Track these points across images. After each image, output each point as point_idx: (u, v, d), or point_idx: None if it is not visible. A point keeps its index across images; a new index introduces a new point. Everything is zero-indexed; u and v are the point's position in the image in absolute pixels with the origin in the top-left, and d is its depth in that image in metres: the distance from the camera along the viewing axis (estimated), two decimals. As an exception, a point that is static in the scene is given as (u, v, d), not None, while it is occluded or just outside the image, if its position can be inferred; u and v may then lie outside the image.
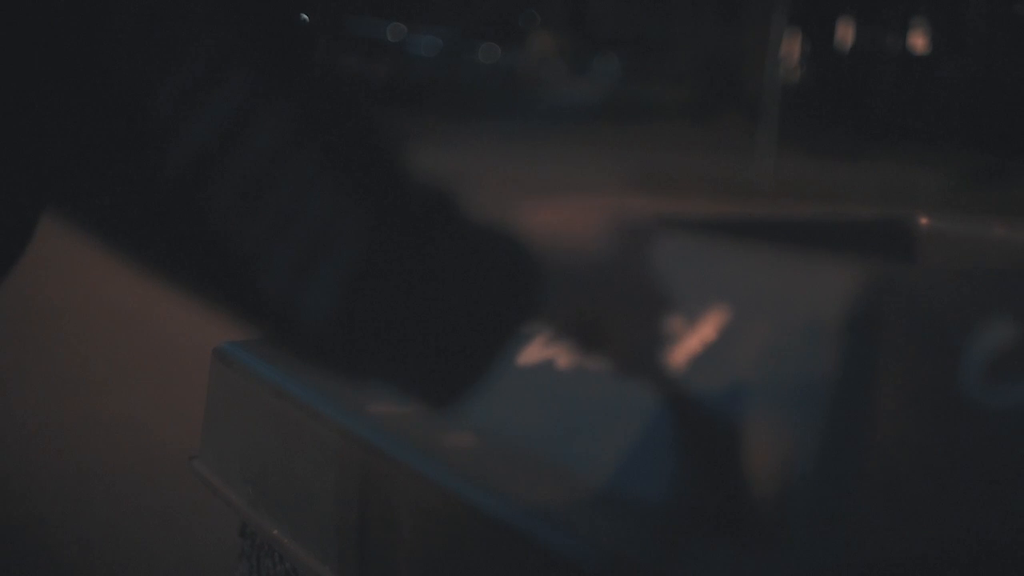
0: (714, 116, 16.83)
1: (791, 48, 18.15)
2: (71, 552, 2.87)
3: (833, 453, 0.83)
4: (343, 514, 1.02)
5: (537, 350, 1.04)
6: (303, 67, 0.68)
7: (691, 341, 0.94)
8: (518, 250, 0.76)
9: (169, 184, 0.64)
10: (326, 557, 1.04)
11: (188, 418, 2.09)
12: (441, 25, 18.17)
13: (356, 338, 0.71)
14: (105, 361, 4.49)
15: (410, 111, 12.56)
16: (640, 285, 0.84)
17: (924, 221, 1.39)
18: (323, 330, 0.70)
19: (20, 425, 3.73)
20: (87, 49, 0.62)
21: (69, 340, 4.75)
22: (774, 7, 11.31)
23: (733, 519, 0.83)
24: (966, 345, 0.89)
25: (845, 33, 20.06)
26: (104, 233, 0.69)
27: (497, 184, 7.66)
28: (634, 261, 0.84)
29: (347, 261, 0.68)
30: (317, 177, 0.67)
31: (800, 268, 0.95)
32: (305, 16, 0.70)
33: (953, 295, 0.92)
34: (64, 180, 0.66)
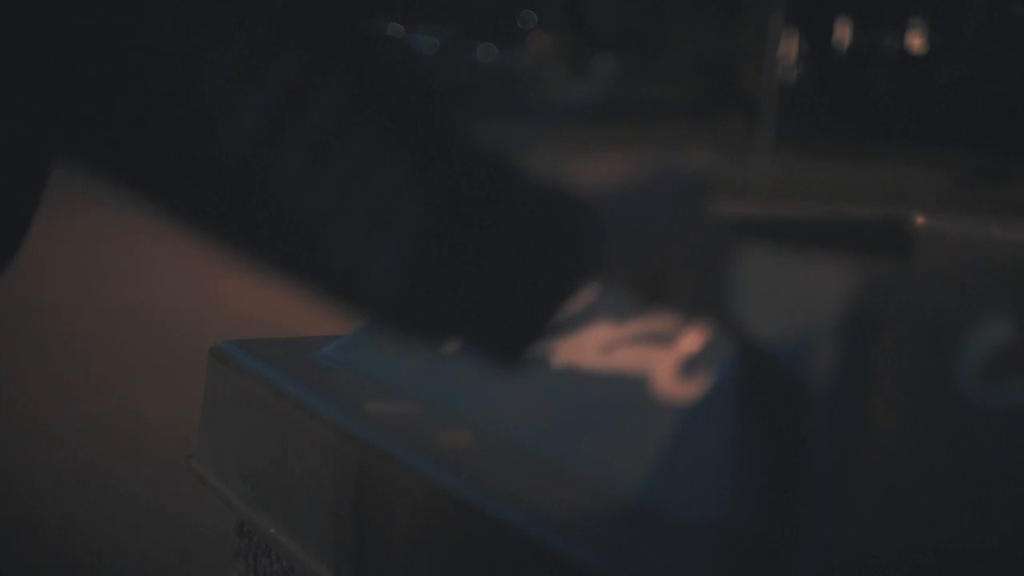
0: (712, 116, 16.84)
1: (789, 48, 18.15)
2: (68, 550, 2.87)
3: (829, 452, 0.83)
4: (340, 513, 1.03)
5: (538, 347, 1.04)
6: (356, 41, 0.68)
7: (683, 340, 0.94)
8: (576, 211, 0.76)
9: (226, 162, 0.64)
10: (323, 556, 1.04)
11: (186, 417, 2.10)
12: (440, 25, 18.15)
13: (421, 307, 0.72)
14: (103, 360, 4.49)
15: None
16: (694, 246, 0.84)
17: (921, 221, 1.39)
18: (389, 300, 0.70)
19: (17, 423, 3.73)
20: (138, 27, 0.62)
21: (67, 338, 4.75)
22: (772, 7, 11.32)
23: (732, 518, 0.83)
24: (963, 345, 0.89)
25: (843, 33, 20.07)
26: (165, 214, 0.69)
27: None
28: (688, 221, 0.84)
29: (410, 232, 0.68)
30: (377, 150, 0.67)
31: (796, 267, 0.95)
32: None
33: (950, 295, 0.92)
34: (122, 163, 0.66)
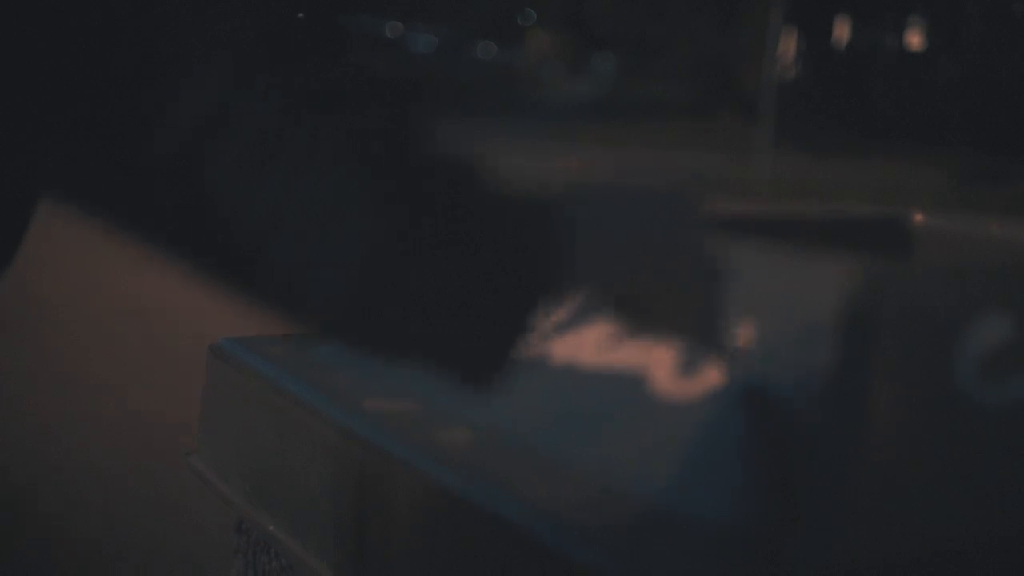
0: (711, 115, 16.83)
1: (788, 47, 18.14)
2: (67, 547, 2.87)
3: (829, 452, 0.83)
4: (339, 511, 1.03)
5: (539, 344, 1.04)
6: (304, 45, 0.67)
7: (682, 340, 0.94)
8: (546, 223, 0.73)
9: (165, 165, 0.63)
10: (322, 553, 1.04)
11: (185, 414, 2.10)
12: (439, 24, 18.15)
13: (373, 321, 0.69)
14: (102, 357, 4.49)
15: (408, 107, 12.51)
16: (673, 260, 0.80)
17: (919, 219, 1.39)
18: (336, 314, 0.68)
19: (17, 420, 3.73)
20: (79, 32, 0.62)
21: (67, 335, 4.75)
22: (771, 6, 11.31)
23: (732, 518, 0.83)
24: (962, 343, 0.89)
25: (842, 32, 20.06)
26: (106, 220, 0.68)
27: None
28: (667, 234, 0.80)
29: (359, 243, 0.66)
30: (320, 156, 0.65)
31: (795, 265, 0.95)
32: (301, 15, 0.70)
33: (949, 293, 0.92)
34: (63, 166, 0.65)
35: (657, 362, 0.94)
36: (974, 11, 18.21)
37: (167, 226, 0.67)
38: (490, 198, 0.70)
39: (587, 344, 1.00)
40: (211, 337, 1.30)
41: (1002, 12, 18.20)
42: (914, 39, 19.79)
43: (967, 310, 0.91)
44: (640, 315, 0.81)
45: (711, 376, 0.90)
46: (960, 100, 17.27)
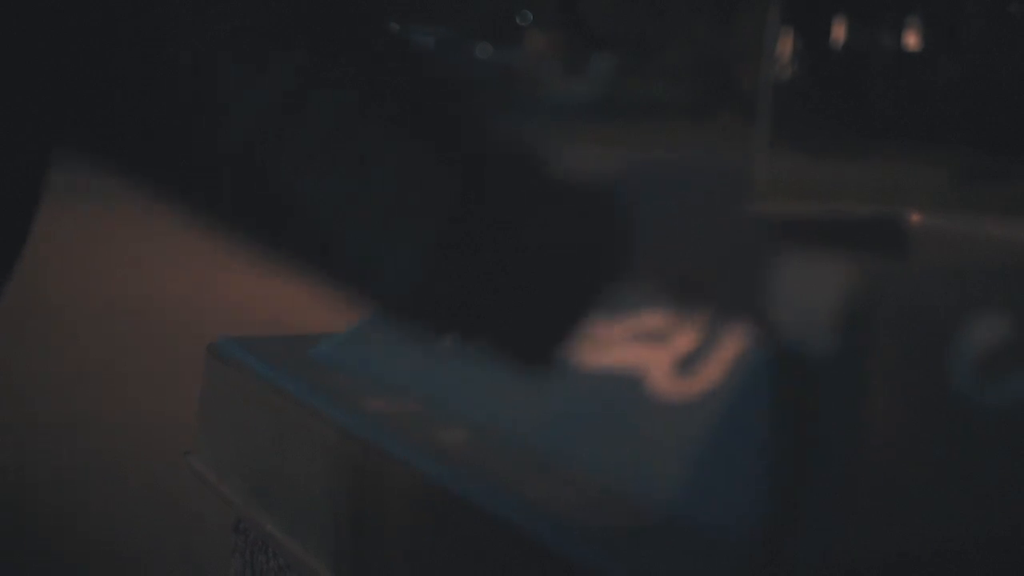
0: (709, 114, 16.83)
1: (786, 46, 18.15)
2: (66, 546, 2.87)
3: (828, 452, 0.83)
4: (337, 510, 1.03)
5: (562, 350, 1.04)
6: (367, 35, 0.67)
7: (681, 339, 0.94)
8: (606, 211, 0.74)
9: (229, 154, 0.64)
10: (319, 553, 1.04)
11: (184, 413, 2.10)
12: (437, 24, 18.16)
13: (441, 306, 0.70)
14: (102, 356, 4.49)
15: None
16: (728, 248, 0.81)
17: (916, 219, 1.39)
18: (404, 297, 0.69)
19: (16, 420, 3.73)
20: (141, 19, 0.62)
21: (66, 335, 4.75)
22: (770, 5, 11.32)
23: (732, 518, 0.83)
24: (960, 343, 0.89)
25: (840, 31, 20.06)
26: (169, 207, 0.69)
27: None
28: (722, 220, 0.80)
29: (428, 229, 0.67)
30: (388, 144, 0.66)
31: (792, 265, 0.95)
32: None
33: (947, 293, 0.92)
34: (125, 155, 0.66)
35: (658, 362, 0.94)
36: (972, 11, 18.22)
37: (238, 216, 0.67)
38: (550, 185, 0.72)
39: (589, 343, 1.00)
40: (211, 337, 1.30)
41: (999, 11, 18.22)
42: (912, 39, 19.81)
43: (965, 310, 0.92)
44: (690, 297, 0.82)
45: (712, 377, 0.90)
46: (958, 100, 17.28)
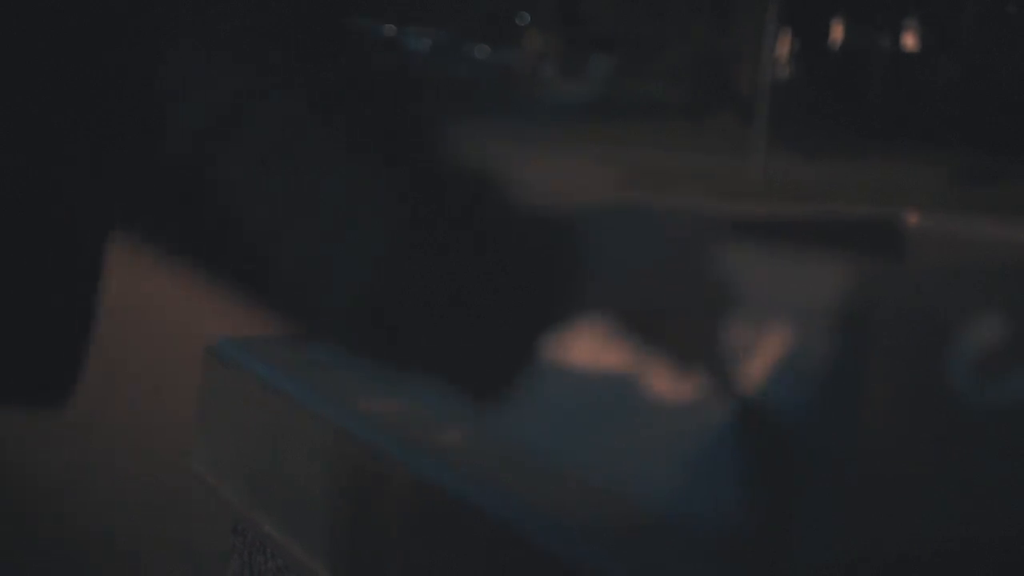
0: (706, 114, 16.83)
1: (783, 46, 18.15)
2: (65, 547, 2.87)
3: (827, 452, 0.83)
4: (335, 511, 1.03)
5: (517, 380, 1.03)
6: (323, 42, 0.65)
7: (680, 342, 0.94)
8: (561, 237, 0.70)
9: (174, 164, 0.62)
10: (318, 554, 1.04)
11: (183, 414, 2.10)
12: (435, 25, 18.16)
13: (382, 330, 0.67)
14: (100, 356, 4.48)
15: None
16: (690, 280, 0.79)
17: (913, 219, 1.39)
18: (346, 321, 0.66)
19: (16, 419, 3.72)
20: (83, 31, 0.61)
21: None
22: (768, 6, 11.32)
23: (731, 519, 0.84)
24: (958, 344, 0.89)
25: (838, 32, 20.07)
26: (112, 219, 0.67)
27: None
28: (680, 253, 0.78)
29: (372, 248, 0.64)
30: (336, 158, 0.63)
31: (789, 266, 0.95)
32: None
33: (944, 294, 0.92)
34: (70, 168, 0.64)
35: (656, 364, 0.94)
36: (970, 11, 18.23)
37: (175, 227, 0.66)
38: (503, 205, 0.69)
39: (589, 345, 1.00)
40: (210, 337, 1.30)
41: (997, 12, 18.22)
42: (910, 39, 19.81)
43: (962, 311, 0.92)
44: (650, 333, 0.80)
45: (710, 377, 0.90)
46: (956, 100, 17.29)
